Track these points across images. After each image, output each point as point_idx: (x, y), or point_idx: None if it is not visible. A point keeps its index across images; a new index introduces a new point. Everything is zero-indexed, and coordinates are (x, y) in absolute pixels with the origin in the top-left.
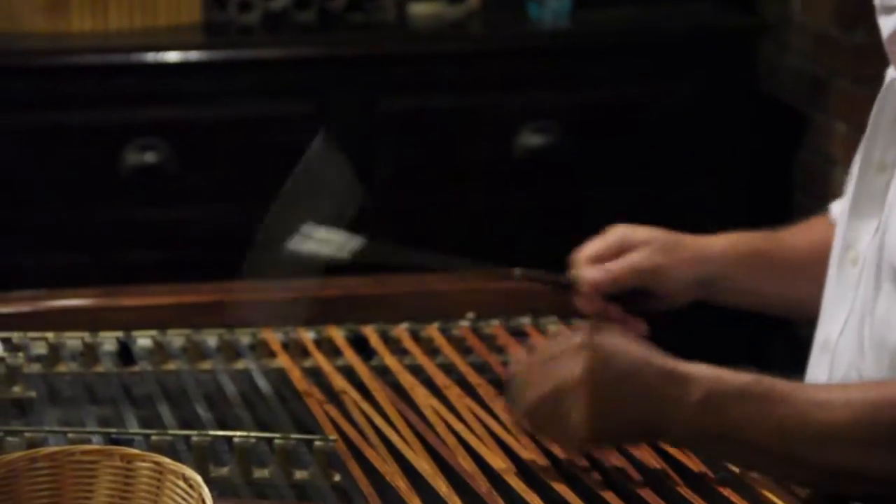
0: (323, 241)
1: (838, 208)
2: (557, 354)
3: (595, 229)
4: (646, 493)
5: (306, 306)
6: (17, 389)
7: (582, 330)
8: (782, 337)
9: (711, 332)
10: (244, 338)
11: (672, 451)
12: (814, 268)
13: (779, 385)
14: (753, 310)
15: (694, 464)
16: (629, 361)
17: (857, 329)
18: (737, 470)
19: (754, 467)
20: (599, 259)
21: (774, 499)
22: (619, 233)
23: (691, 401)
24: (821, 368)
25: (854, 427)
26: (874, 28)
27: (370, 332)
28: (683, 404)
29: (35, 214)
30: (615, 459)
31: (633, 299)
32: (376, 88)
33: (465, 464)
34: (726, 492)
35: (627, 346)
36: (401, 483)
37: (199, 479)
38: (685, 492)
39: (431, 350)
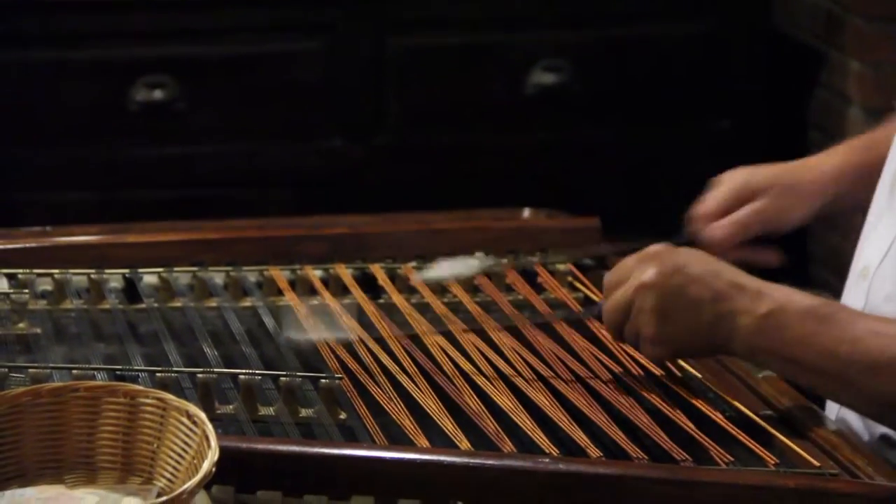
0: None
1: None
2: (636, 263)
3: (607, 167)
4: (654, 433)
5: None
6: (22, 326)
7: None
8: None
9: None
10: (251, 276)
11: (681, 391)
12: None
13: (845, 311)
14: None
15: (704, 407)
16: (702, 269)
17: None
18: (748, 412)
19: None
20: (721, 213)
21: (785, 440)
22: (738, 181)
23: (757, 313)
24: (857, 297)
25: None
26: None
27: (377, 270)
28: (749, 316)
29: (42, 151)
30: (623, 399)
31: (758, 241)
32: (387, 25)
33: (472, 403)
34: (741, 436)
35: (702, 257)
36: (407, 421)
37: (202, 415)
38: (696, 433)
39: (439, 289)
